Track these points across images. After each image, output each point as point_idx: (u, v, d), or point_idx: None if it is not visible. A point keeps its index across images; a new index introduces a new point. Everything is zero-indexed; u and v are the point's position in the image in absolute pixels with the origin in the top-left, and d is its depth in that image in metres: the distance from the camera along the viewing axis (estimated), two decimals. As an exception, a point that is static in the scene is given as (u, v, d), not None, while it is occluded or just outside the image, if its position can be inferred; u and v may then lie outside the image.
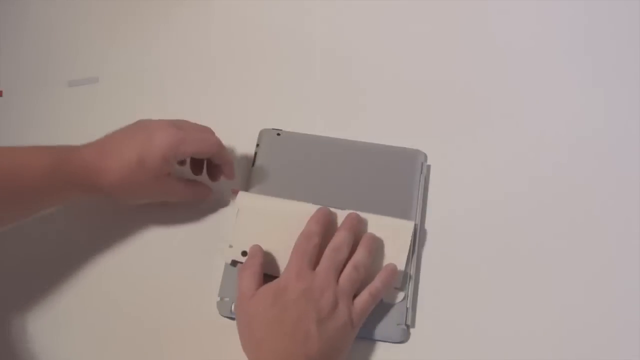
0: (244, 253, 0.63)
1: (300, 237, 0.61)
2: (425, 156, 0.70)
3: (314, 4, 0.82)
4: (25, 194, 0.59)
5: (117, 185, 0.61)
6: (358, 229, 0.63)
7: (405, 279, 0.63)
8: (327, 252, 0.60)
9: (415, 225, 0.66)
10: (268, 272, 0.62)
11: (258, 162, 0.70)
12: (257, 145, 0.71)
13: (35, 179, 0.59)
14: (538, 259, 0.66)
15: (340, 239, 0.61)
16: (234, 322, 0.61)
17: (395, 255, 0.64)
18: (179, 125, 0.63)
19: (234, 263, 0.64)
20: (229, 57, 0.79)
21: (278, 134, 0.71)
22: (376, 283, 0.60)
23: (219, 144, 0.64)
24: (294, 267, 0.59)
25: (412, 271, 0.64)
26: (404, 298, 0.62)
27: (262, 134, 0.72)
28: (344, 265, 0.60)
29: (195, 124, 0.66)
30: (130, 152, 0.60)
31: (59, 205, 0.64)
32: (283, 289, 0.57)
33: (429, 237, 0.67)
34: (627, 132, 0.73)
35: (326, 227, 0.62)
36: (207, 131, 0.66)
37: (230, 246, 0.64)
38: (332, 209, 0.65)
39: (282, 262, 0.62)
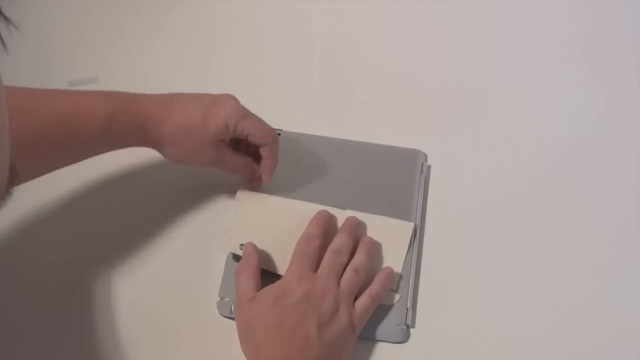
0: (242, 247, 0.63)
1: (301, 239, 0.61)
2: (425, 156, 0.70)
3: (314, 4, 0.82)
4: (82, 139, 0.59)
5: (175, 138, 0.61)
6: (357, 233, 0.63)
7: (403, 280, 0.63)
8: (328, 255, 0.60)
9: (414, 225, 0.66)
10: (266, 269, 0.62)
11: None
12: None
13: (94, 127, 0.59)
14: (538, 258, 0.66)
15: (340, 242, 0.61)
16: (234, 322, 0.61)
17: (394, 255, 0.64)
18: (245, 109, 0.63)
19: (236, 257, 0.64)
20: (229, 58, 0.79)
21: (278, 134, 0.71)
22: (375, 286, 0.60)
23: (275, 135, 0.65)
24: (295, 270, 0.58)
25: (412, 271, 0.64)
26: (399, 299, 0.62)
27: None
28: (344, 269, 0.60)
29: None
30: (195, 109, 0.61)
31: (110, 151, 0.63)
32: (284, 292, 0.57)
33: (429, 237, 0.67)
34: (626, 132, 0.73)
35: (326, 230, 0.62)
36: (268, 127, 0.65)
37: (230, 238, 0.64)
38: (332, 209, 0.65)
39: (280, 258, 0.62)
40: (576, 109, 0.74)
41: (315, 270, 0.59)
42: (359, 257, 0.61)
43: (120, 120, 0.60)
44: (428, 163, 0.71)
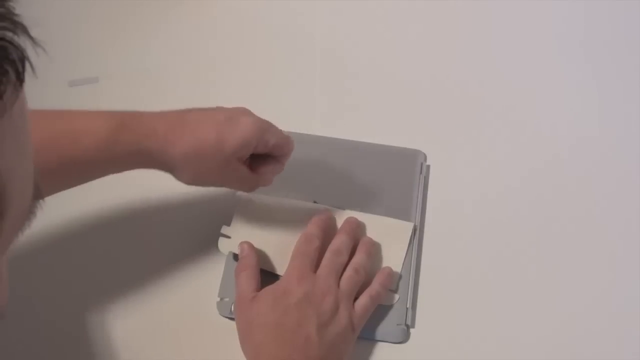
0: None
1: (301, 239, 0.61)
2: (425, 156, 0.70)
3: (314, 4, 0.82)
4: (78, 162, 0.54)
5: (187, 162, 0.56)
6: (356, 233, 0.63)
7: (403, 280, 0.63)
8: (328, 255, 0.60)
9: (414, 225, 0.66)
10: (265, 269, 0.62)
11: None
12: None
13: (93, 146, 0.54)
14: (538, 258, 0.66)
15: (339, 242, 0.61)
16: (234, 323, 0.61)
17: (394, 256, 0.64)
18: (261, 120, 0.60)
19: (236, 257, 0.64)
20: (229, 57, 0.79)
21: None
22: (375, 286, 0.60)
23: (294, 143, 0.62)
24: (296, 270, 0.58)
25: (412, 271, 0.64)
26: (398, 299, 0.62)
27: None
28: (344, 269, 0.60)
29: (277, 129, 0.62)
30: (208, 129, 0.56)
31: (113, 173, 0.58)
32: (284, 292, 0.57)
33: (429, 237, 0.67)
34: (625, 131, 0.73)
35: (326, 231, 0.62)
36: (286, 136, 0.62)
37: (229, 237, 0.64)
38: (332, 209, 0.65)
39: (280, 258, 0.62)
40: (576, 108, 0.74)
41: (315, 271, 0.59)
42: (358, 257, 0.61)
43: (124, 137, 0.54)
44: (427, 163, 0.71)
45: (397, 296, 0.62)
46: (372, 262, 0.62)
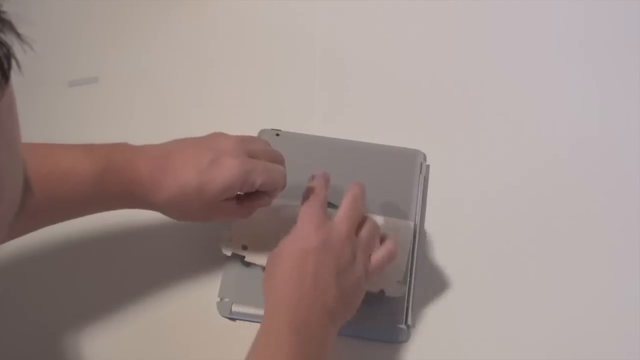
0: (244, 247, 0.63)
1: (306, 193, 0.59)
2: (424, 156, 0.70)
3: (314, 4, 0.82)
4: (66, 202, 0.55)
5: (171, 205, 0.57)
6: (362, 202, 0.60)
7: (406, 278, 0.63)
8: (348, 199, 0.58)
9: (415, 225, 0.66)
10: (264, 265, 0.62)
11: None
12: None
13: (79, 188, 0.54)
14: (538, 258, 0.66)
15: (357, 190, 0.59)
16: (234, 323, 0.62)
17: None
18: (251, 150, 0.58)
19: (244, 264, 0.64)
20: (229, 57, 0.79)
21: (277, 134, 0.71)
22: (389, 245, 0.59)
23: (285, 178, 0.60)
24: (312, 218, 0.56)
25: (412, 271, 0.64)
26: (407, 292, 0.62)
27: (262, 134, 0.72)
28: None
29: (267, 146, 0.62)
30: (191, 174, 0.56)
31: (101, 212, 0.59)
32: (302, 239, 0.55)
33: (428, 237, 0.67)
34: (625, 131, 0.73)
35: (327, 186, 0.60)
36: (278, 157, 0.61)
37: (230, 240, 0.64)
38: (332, 209, 0.65)
39: None
40: (576, 108, 0.74)
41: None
42: (373, 219, 0.60)
43: (109, 178, 0.55)
44: (427, 163, 0.70)
45: (405, 287, 0.62)
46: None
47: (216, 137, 0.59)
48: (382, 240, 0.59)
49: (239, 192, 0.58)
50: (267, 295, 0.55)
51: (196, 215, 0.60)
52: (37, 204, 0.51)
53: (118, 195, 0.56)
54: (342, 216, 0.57)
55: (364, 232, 0.58)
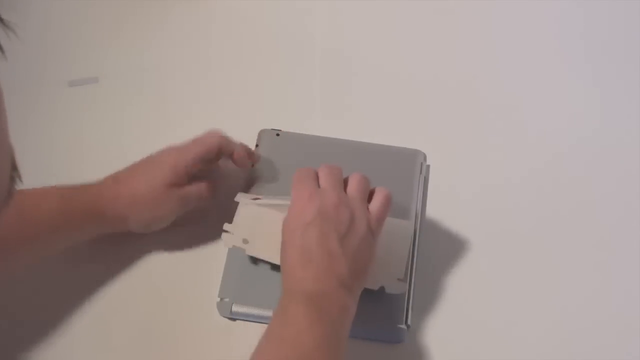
0: (245, 240, 0.63)
1: (296, 173, 0.60)
2: (425, 156, 0.70)
3: (314, 4, 0.82)
4: (40, 230, 0.59)
5: (132, 207, 0.62)
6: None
7: (407, 276, 0.63)
8: (324, 170, 0.59)
9: (415, 225, 0.66)
10: (269, 261, 0.62)
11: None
12: (257, 145, 0.71)
13: (48, 214, 0.58)
14: (538, 258, 0.66)
15: (327, 165, 0.60)
16: (234, 323, 0.62)
17: (395, 256, 0.64)
18: (182, 144, 0.64)
19: (236, 258, 0.64)
20: (229, 57, 0.79)
21: (277, 134, 0.71)
22: (381, 191, 0.59)
23: (219, 138, 0.64)
24: (303, 191, 0.57)
25: (412, 271, 0.64)
26: (407, 292, 0.62)
27: (262, 134, 0.72)
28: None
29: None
30: (139, 175, 0.62)
31: (80, 239, 0.63)
32: (299, 214, 0.56)
33: (428, 237, 0.67)
34: (626, 132, 0.73)
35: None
36: (208, 133, 0.65)
37: (231, 233, 0.64)
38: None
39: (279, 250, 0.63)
40: (576, 108, 0.74)
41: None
42: (356, 173, 0.60)
43: (74, 202, 0.60)
44: (428, 163, 0.70)
45: (405, 285, 0.61)
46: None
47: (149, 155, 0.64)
48: (372, 193, 0.60)
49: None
50: (283, 281, 0.55)
51: (160, 208, 0.63)
52: (6, 228, 0.53)
53: (85, 217, 0.60)
54: (325, 187, 0.57)
55: (352, 187, 0.58)
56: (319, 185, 0.58)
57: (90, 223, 0.62)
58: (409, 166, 0.69)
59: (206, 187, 0.65)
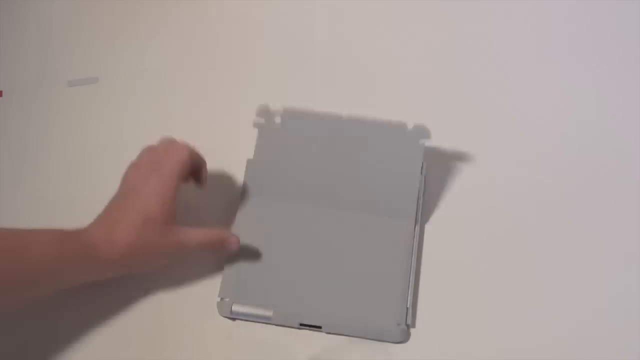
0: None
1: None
2: (428, 131, 0.67)
3: (314, 4, 0.82)
4: (34, 271, 0.56)
5: (130, 253, 0.59)
6: None
7: (403, 280, 0.63)
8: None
9: (415, 225, 0.66)
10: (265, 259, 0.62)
11: (256, 156, 0.69)
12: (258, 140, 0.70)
13: (43, 255, 0.56)
14: (539, 258, 0.66)
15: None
16: (234, 323, 0.62)
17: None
18: (152, 161, 0.63)
19: (236, 258, 0.64)
20: (229, 57, 0.79)
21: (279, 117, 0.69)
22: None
23: (186, 149, 0.63)
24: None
25: (412, 271, 0.64)
26: (407, 292, 0.62)
27: (260, 126, 0.69)
28: None
29: (161, 143, 0.65)
30: (132, 213, 0.59)
31: (76, 282, 0.60)
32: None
33: (429, 236, 0.67)
34: (628, 133, 0.73)
35: None
36: (174, 144, 0.64)
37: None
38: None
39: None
40: (578, 110, 0.74)
41: None
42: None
43: (68, 244, 0.58)
44: (427, 163, 0.70)
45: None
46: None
47: (124, 179, 0.63)
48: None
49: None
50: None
51: (157, 252, 0.60)
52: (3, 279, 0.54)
53: (79, 259, 0.58)
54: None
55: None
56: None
57: (86, 265, 0.59)
58: (410, 147, 0.66)
59: (210, 236, 0.63)
